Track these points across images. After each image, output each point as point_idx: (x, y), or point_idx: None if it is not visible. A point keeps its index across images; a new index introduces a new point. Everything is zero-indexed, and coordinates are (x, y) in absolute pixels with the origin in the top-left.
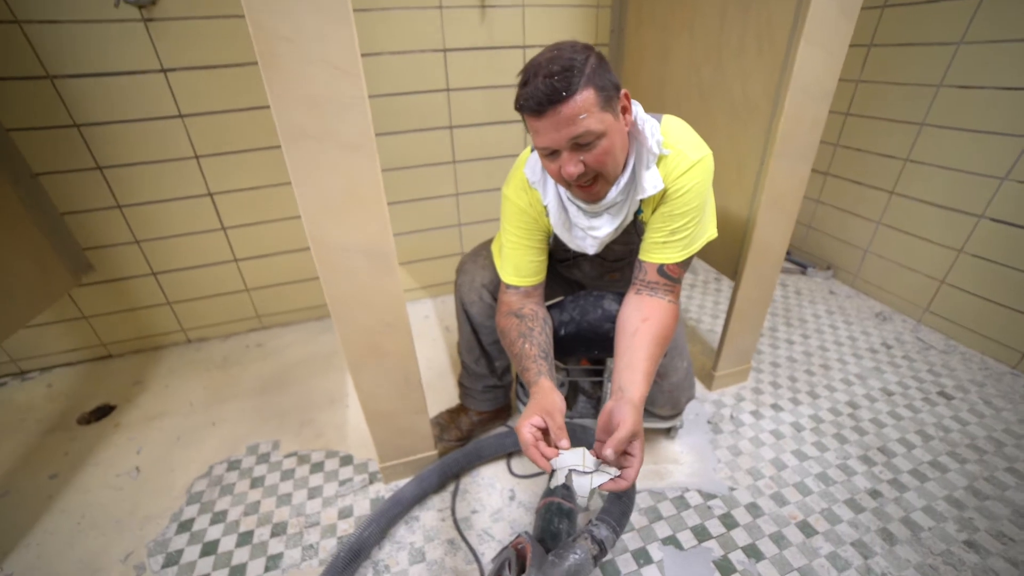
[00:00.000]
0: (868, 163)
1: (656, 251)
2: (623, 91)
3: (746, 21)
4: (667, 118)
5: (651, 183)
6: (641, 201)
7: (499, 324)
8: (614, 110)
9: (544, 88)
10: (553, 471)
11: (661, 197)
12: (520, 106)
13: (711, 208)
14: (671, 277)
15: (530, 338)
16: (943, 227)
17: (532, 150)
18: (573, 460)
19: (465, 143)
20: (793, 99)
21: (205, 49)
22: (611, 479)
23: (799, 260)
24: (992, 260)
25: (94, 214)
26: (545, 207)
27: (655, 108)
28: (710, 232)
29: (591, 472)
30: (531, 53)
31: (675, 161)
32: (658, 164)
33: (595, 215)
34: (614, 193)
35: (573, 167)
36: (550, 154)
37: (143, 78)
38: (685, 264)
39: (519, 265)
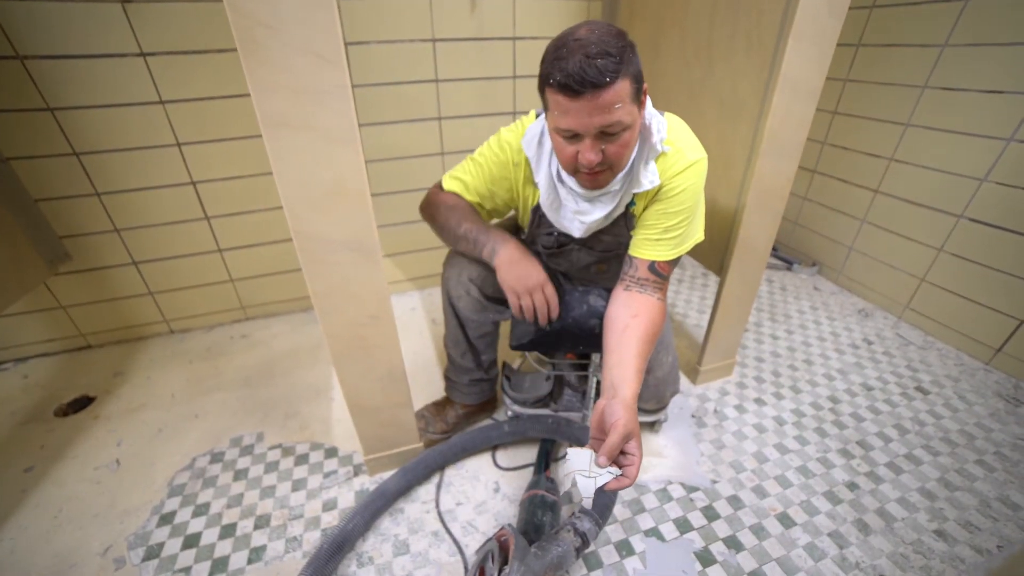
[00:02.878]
0: (854, 161)
1: (648, 248)
2: (644, 84)
3: (736, 19)
4: (670, 116)
5: (648, 178)
6: (635, 195)
7: (436, 199)
8: (640, 103)
9: (588, 69)
10: (563, 476)
11: (656, 193)
12: (554, 81)
13: (701, 210)
14: (661, 274)
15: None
16: (924, 226)
17: (537, 116)
18: (579, 463)
19: (454, 135)
20: (781, 97)
21: (186, 33)
22: (614, 478)
23: (785, 256)
24: (969, 259)
25: (71, 201)
26: (536, 184)
27: None
28: (699, 234)
29: (595, 476)
30: (522, 45)
31: (673, 159)
32: (656, 160)
33: (587, 200)
34: (611, 183)
35: (593, 155)
36: (571, 137)
37: (121, 61)
38: (674, 262)
39: (475, 187)
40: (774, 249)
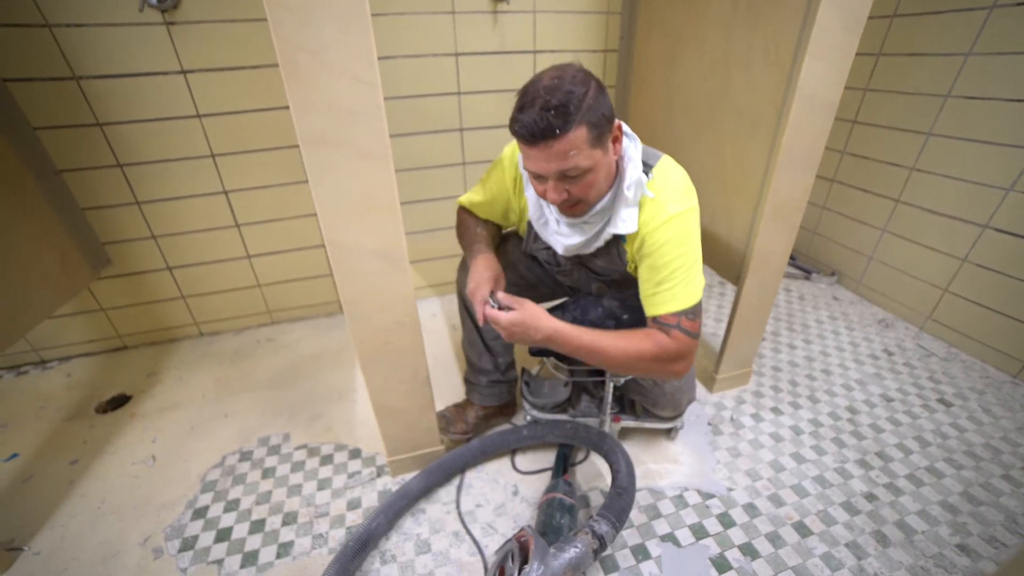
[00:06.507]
0: (874, 171)
1: (647, 303)
2: (616, 123)
3: (753, 34)
4: (665, 160)
5: (624, 224)
6: (623, 235)
7: (458, 220)
8: (604, 145)
9: (539, 121)
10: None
11: (641, 245)
12: (514, 132)
13: (697, 259)
14: (666, 324)
15: (486, 227)
16: (947, 236)
17: None
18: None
19: (475, 145)
20: (798, 111)
21: (223, 51)
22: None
23: (804, 265)
24: (995, 270)
25: (114, 210)
26: (525, 197)
27: (664, 115)
28: (694, 292)
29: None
30: (541, 58)
31: (654, 210)
32: (642, 206)
33: (568, 225)
34: (588, 215)
35: (557, 195)
36: (537, 176)
37: (164, 79)
38: (686, 314)
39: (480, 203)
40: (792, 258)
